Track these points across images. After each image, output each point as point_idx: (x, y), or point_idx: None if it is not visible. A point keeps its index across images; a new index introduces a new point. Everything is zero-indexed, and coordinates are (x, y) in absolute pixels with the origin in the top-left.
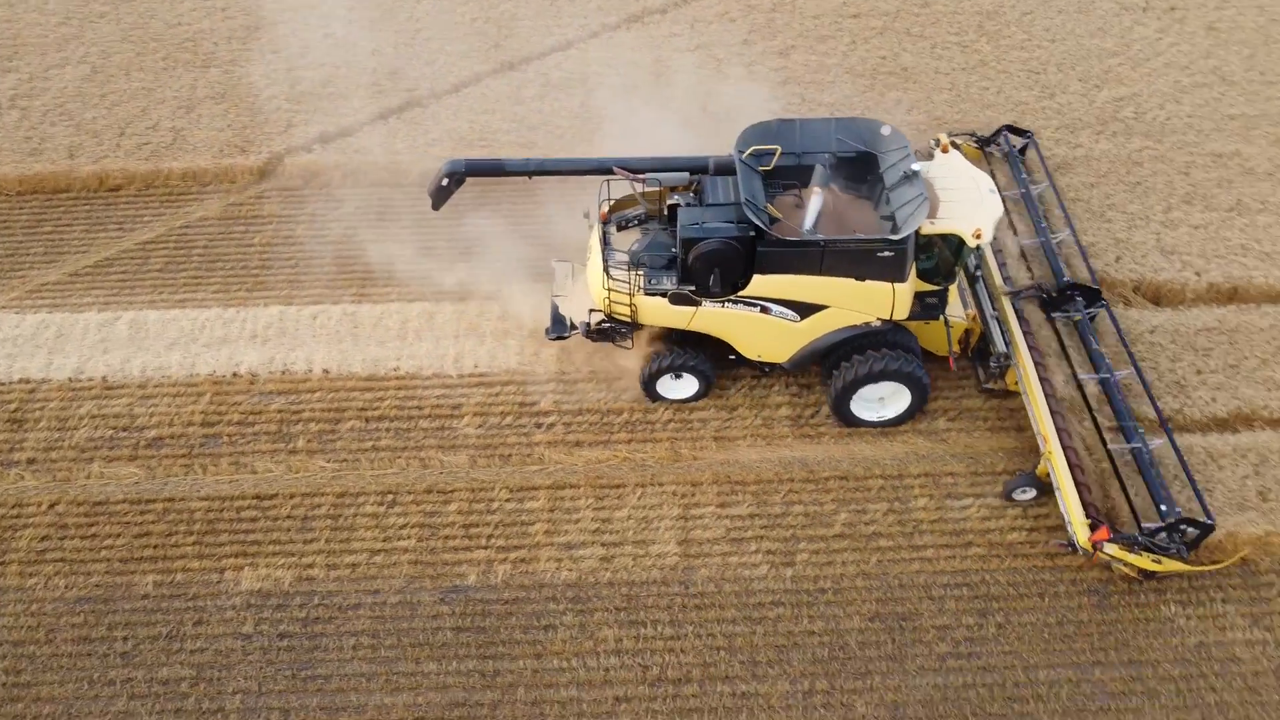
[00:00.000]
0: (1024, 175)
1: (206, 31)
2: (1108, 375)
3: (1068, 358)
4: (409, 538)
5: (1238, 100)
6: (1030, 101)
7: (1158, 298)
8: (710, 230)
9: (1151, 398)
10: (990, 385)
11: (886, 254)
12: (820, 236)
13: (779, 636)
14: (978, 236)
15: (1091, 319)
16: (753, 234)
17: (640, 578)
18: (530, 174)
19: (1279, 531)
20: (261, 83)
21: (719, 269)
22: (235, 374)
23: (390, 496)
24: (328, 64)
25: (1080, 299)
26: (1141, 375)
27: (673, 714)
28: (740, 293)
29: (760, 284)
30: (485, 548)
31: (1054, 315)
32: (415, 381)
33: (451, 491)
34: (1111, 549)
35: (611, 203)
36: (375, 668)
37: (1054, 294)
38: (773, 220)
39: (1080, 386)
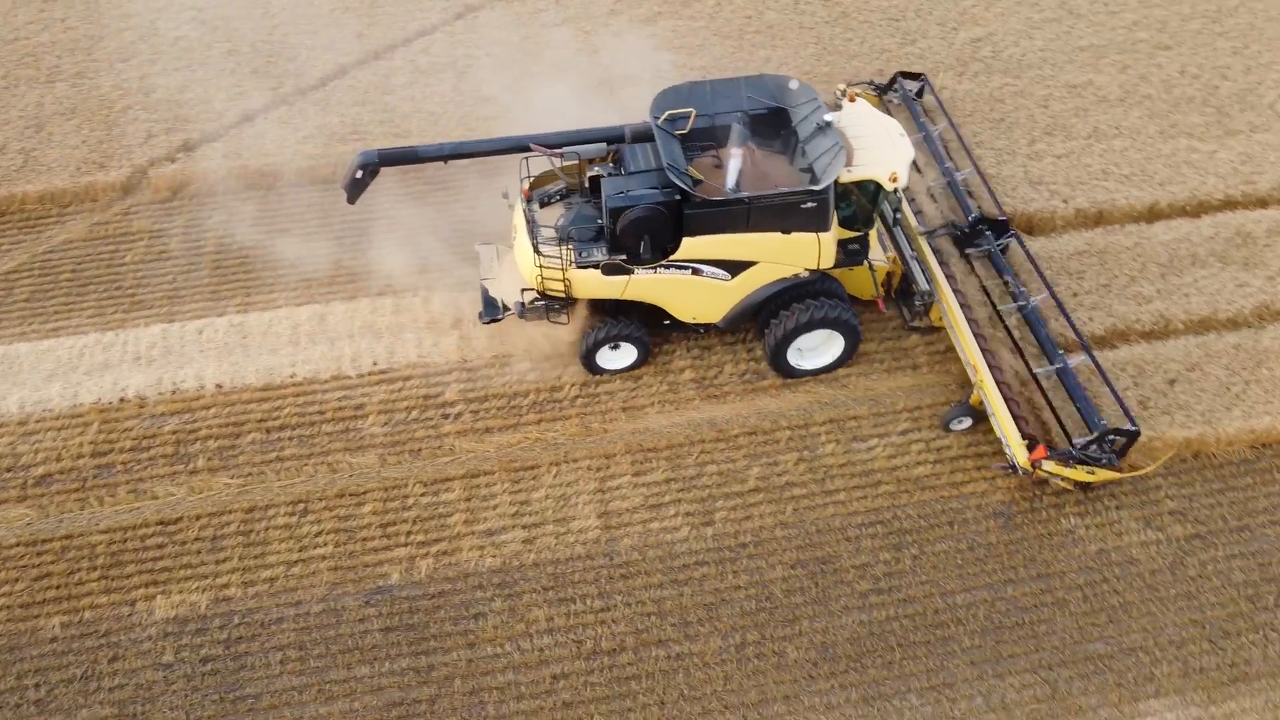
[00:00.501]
0: (923, 118)
1: (47, 44)
2: (1024, 303)
3: (985, 290)
4: (325, 545)
5: (1086, 32)
6: (893, 49)
7: (1030, 227)
8: (636, 198)
9: (1069, 318)
10: (916, 324)
11: (809, 205)
12: (745, 194)
13: (706, 595)
14: (894, 180)
15: (1003, 250)
16: (678, 198)
17: (564, 555)
18: (446, 158)
19: (1198, 437)
20: (114, 94)
21: (648, 235)
22: (122, 399)
23: (301, 505)
24: (183, 68)
25: (990, 232)
26: (1057, 298)
27: (611, 684)
28: (671, 257)
29: (690, 246)
30: (405, 545)
31: (968, 251)
32: (314, 386)
33: (364, 493)
34: (1049, 465)
35: (531, 180)
36: (306, 679)
37: (965, 230)
38: (696, 182)
39: (1001, 316)
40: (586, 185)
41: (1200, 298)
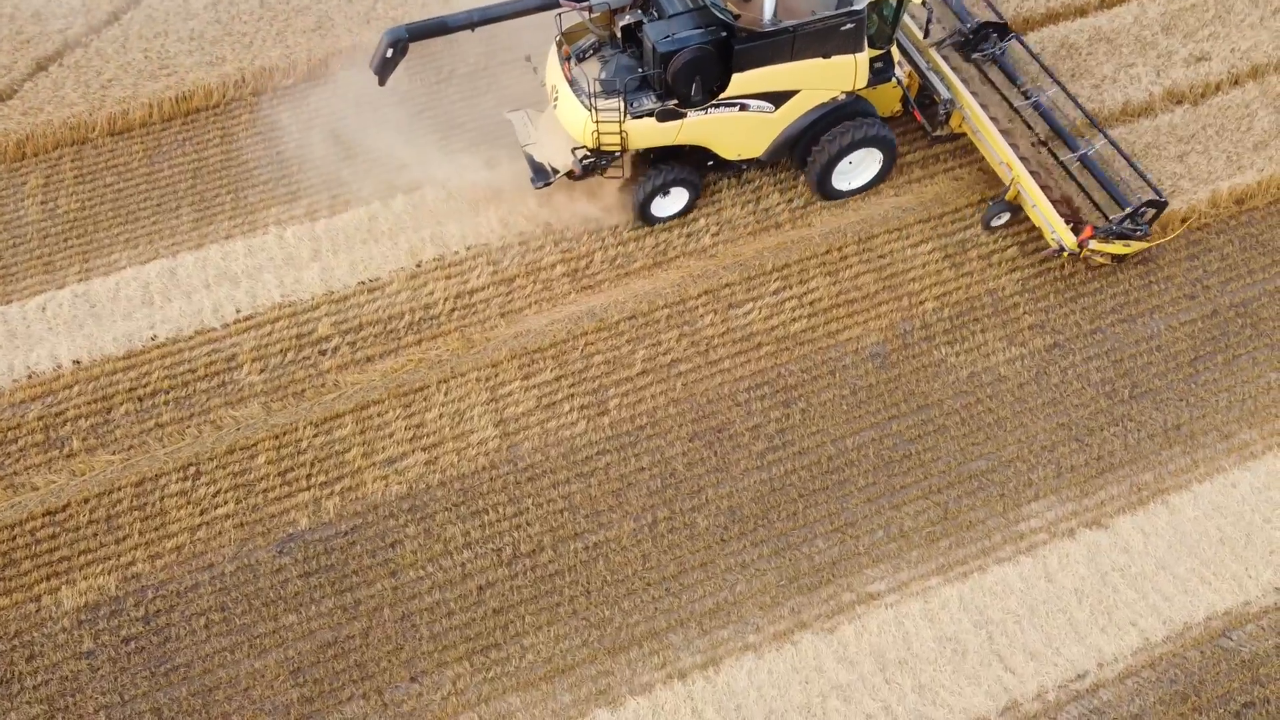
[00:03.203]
0: None
1: None
2: (1037, 97)
3: (999, 91)
4: (226, 503)
5: None
6: None
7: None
8: (683, 40)
9: (1080, 106)
10: (939, 133)
11: (848, 26)
12: (791, 22)
13: (612, 482)
14: None
15: (1003, 53)
16: (724, 34)
17: (468, 469)
18: (474, 25)
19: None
20: None
21: (699, 76)
22: None
23: (192, 469)
24: None
25: (995, 35)
26: (1066, 89)
27: (536, 584)
28: (720, 95)
29: (739, 82)
30: (307, 489)
31: (974, 56)
32: (179, 345)
33: (255, 444)
34: (1094, 243)
35: (562, 39)
36: (235, 638)
37: (970, 35)
38: (735, 17)
39: (1018, 112)
40: (619, 35)
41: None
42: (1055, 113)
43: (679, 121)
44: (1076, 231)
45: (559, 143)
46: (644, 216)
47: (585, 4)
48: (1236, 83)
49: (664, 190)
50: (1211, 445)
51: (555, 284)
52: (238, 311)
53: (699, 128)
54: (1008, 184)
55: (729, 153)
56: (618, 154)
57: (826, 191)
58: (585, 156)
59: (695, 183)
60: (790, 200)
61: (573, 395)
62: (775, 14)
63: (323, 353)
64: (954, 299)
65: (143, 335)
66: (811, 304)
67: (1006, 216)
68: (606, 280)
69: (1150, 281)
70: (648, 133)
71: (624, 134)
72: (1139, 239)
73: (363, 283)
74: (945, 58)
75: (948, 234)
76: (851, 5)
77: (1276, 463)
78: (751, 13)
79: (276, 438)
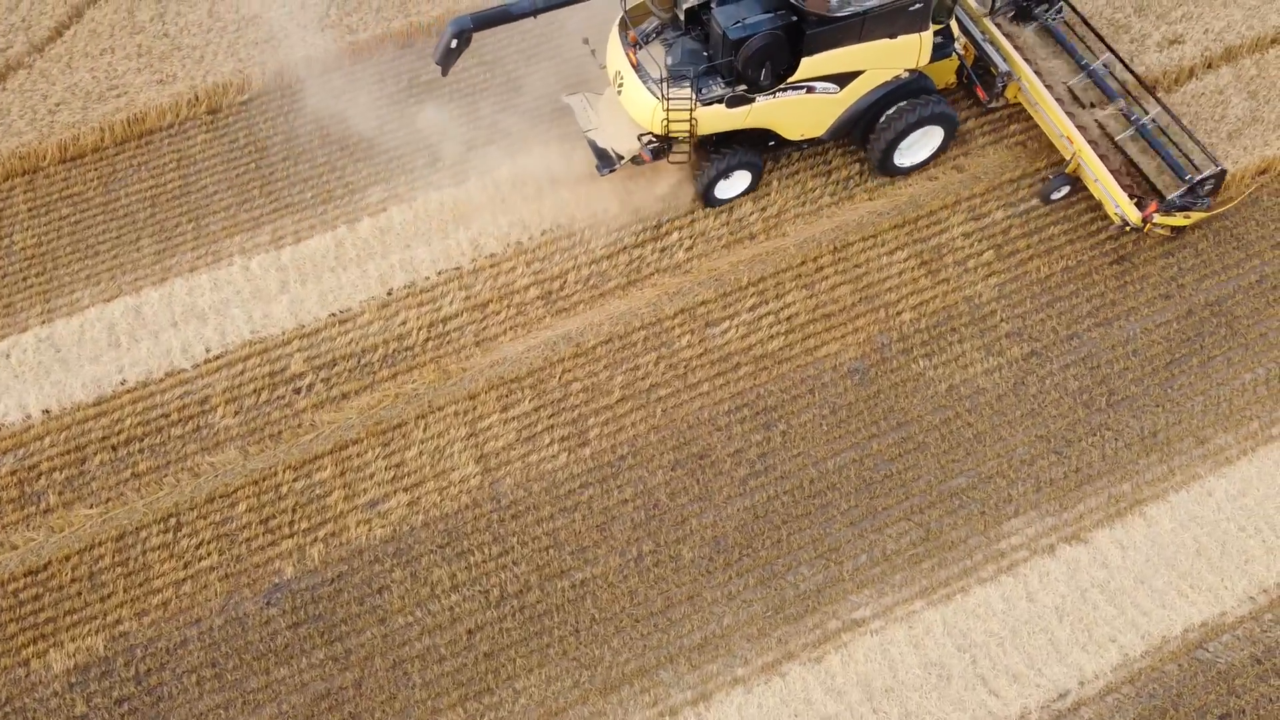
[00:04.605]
0: None
1: None
2: (1089, 65)
3: (1053, 58)
4: (210, 555)
5: None
6: None
7: None
8: (754, 26)
9: (1134, 73)
10: (994, 104)
11: (916, 6)
12: (865, 6)
13: (596, 516)
14: None
15: (1057, 17)
16: (794, 18)
17: (451, 509)
18: (537, 12)
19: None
20: None
21: (769, 61)
22: None
23: (173, 520)
24: None
25: (1046, 3)
26: (1119, 56)
27: (525, 625)
28: (789, 79)
29: (808, 65)
30: (290, 536)
31: (1026, 25)
32: (149, 388)
33: (234, 492)
34: (1158, 218)
35: (627, 21)
36: (227, 694)
37: (1023, 4)
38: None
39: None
40: (680, 17)
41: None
42: (1109, 80)
43: (748, 106)
44: (1140, 206)
45: (622, 128)
46: (708, 200)
47: None
48: (1210, 66)
49: (727, 174)
50: (1187, 451)
51: (529, 307)
52: (207, 350)
53: (766, 111)
54: (1068, 157)
55: (792, 133)
56: (689, 140)
57: (888, 169)
58: (651, 142)
59: (757, 164)
60: (764, 209)
61: (552, 426)
62: None
63: (297, 391)
64: (931, 308)
65: (112, 380)
66: (788, 320)
67: (1066, 189)
68: (581, 302)
69: (1126, 282)
70: (717, 118)
71: (694, 120)
72: (1199, 209)
73: (333, 314)
74: (999, 26)
75: (923, 239)
76: None
77: (1250, 468)
78: None
79: (256, 483)
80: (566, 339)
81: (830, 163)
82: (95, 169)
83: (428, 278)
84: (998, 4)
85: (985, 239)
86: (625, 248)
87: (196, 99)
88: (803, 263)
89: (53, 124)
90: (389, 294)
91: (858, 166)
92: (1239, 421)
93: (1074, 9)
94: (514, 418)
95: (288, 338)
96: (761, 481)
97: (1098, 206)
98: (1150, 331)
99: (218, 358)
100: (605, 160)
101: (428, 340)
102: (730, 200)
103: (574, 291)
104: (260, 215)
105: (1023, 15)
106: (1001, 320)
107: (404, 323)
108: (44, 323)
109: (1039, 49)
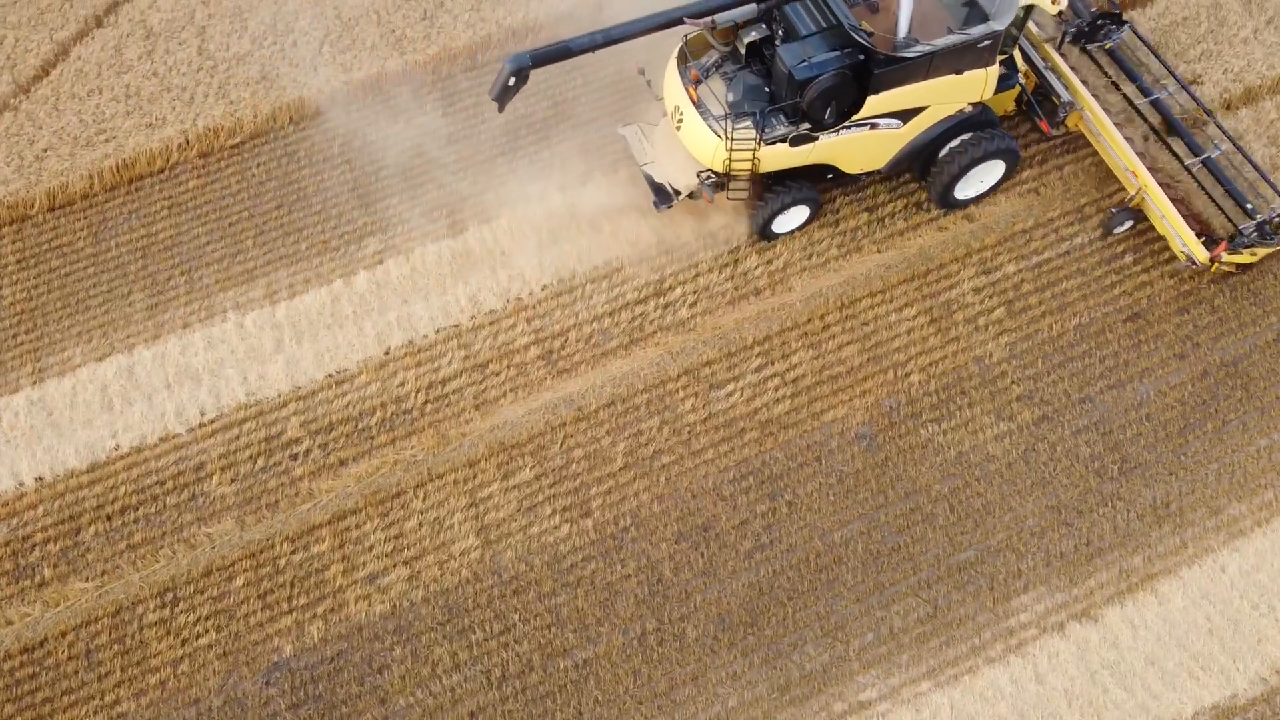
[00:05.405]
0: None
1: None
2: (1156, 95)
3: (1116, 88)
4: (207, 631)
5: None
6: None
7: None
8: (821, 65)
9: (1202, 105)
10: (1056, 131)
11: (986, 43)
12: (935, 45)
13: (599, 592)
14: (1056, 3)
15: (1119, 43)
16: (861, 57)
17: (452, 583)
18: (599, 46)
19: None
20: None
21: (835, 100)
22: None
23: (169, 594)
24: None
25: (1112, 26)
26: (1185, 85)
27: (527, 706)
28: (854, 116)
29: (873, 103)
30: (289, 612)
31: (1089, 48)
32: (144, 454)
33: (231, 564)
34: (1226, 256)
35: (686, 55)
36: None
37: (1085, 28)
38: (868, 35)
39: (1137, 111)
40: (742, 51)
41: None
42: (1174, 109)
43: (811, 145)
44: (1207, 245)
45: (679, 162)
46: (764, 235)
47: (709, 20)
48: (1229, 107)
49: (785, 209)
50: (1200, 522)
51: (530, 368)
52: (202, 414)
53: (828, 148)
54: (1133, 192)
55: (853, 168)
56: (751, 178)
57: (948, 201)
58: (709, 178)
59: (815, 199)
60: (769, 262)
61: (554, 496)
62: (910, 30)
63: (294, 457)
64: (940, 369)
65: (105, 445)
66: (794, 381)
67: (1129, 223)
68: (583, 362)
69: (1140, 340)
70: (780, 157)
71: (757, 159)
72: (1267, 245)
73: (330, 375)
74: (1061, 53)
75: (933, 294)
76: (988, 21)
77: (1264, 541)
78: (881, 26)
79: (253, 556)
80: (568, 402)
81: (839, 212)
82: (85, 217)
83: (425, 335)
84: (1066, 34)
85: (996, 294)
86: (627, 304)
87: (187, 143)
88: (809, 320)
89: (40, 171)
90: (386, 353)
91: (865, 217)
92: (1253, 490)
93: (1138, 35)
94: (515, 486)
95: (284, 400)
96: (767, 555)
97: (1111, 259)
98: (1164, 394)
99: (212, 421)
100: (663, 196)
101: (426, 403)
102: (790, 232)
103: (575, 350)
104: (254, 268)
105: (1084, 39)
106: (1012, 382)
107: (402, 384)
108: (35, 383)
109: (1094, 76)
